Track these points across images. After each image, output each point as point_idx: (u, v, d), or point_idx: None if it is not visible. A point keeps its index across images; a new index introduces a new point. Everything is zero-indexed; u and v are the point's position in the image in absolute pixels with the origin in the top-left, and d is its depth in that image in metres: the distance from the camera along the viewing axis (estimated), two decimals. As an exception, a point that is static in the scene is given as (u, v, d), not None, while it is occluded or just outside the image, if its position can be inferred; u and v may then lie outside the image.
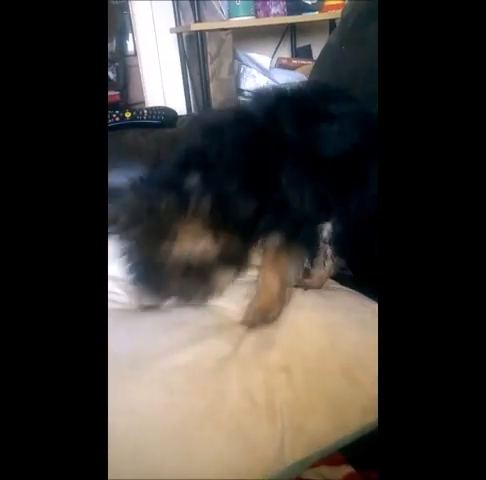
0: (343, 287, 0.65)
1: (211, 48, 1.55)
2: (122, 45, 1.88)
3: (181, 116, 1.24)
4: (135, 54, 1.86)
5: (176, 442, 0.42)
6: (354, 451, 0.53)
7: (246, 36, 1.78)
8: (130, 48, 1.89)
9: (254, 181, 0.55)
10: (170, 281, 0.54)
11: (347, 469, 0.51)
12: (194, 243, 0.52)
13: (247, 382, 0.46)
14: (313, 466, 0.52)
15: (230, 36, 1.55)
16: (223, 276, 0.57)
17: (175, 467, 0.41)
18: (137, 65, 1.85)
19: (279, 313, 0.56)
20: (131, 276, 0.56)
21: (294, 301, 0.58)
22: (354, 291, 0.63)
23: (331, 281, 0.67)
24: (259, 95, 0.68)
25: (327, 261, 0.64)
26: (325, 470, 0.53)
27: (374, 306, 0.57)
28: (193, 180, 0.52)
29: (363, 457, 0.52)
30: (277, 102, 0.62)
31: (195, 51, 1.55)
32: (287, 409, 0.45)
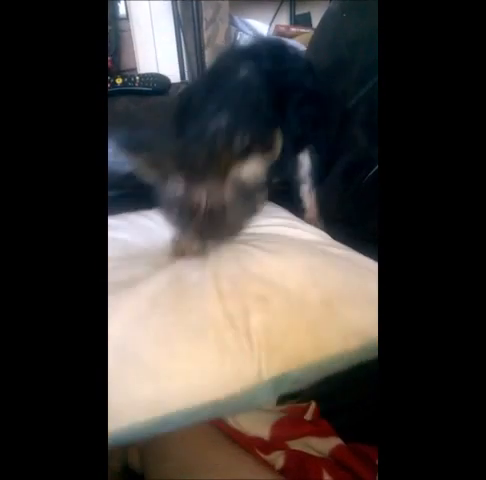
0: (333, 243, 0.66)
1: (207, 13, 1.49)
2: (113, 8, 1.79)
3: (174, 83, 1.21)
4: (127, 18, 1.79)
5: (159, 342, 0.45)
6: (343, 421, 0.55)
7: (243, 1, 1.72)
8: (122, 11, 1.81)
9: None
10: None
11: (336, 441, 0.52)
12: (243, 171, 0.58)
13: (226, 306, 0.49)
14: (301, 434, 0.53)
15: (227, 1, 1.50)
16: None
17: (158, 365, 0.44)
18: (129, 29, 1.79)
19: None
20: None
21: (277, 249, 0.59)
22: (344, 247, 0.64)
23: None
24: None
25: (312, 190, 0.80)
26: (313, 441, 0.53)
27: (361, 260, 0.59)
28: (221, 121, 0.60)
29: (352, 428, 0.53)
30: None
31: (190, 16, 1.50)
32: (263, 329, 0.46)
